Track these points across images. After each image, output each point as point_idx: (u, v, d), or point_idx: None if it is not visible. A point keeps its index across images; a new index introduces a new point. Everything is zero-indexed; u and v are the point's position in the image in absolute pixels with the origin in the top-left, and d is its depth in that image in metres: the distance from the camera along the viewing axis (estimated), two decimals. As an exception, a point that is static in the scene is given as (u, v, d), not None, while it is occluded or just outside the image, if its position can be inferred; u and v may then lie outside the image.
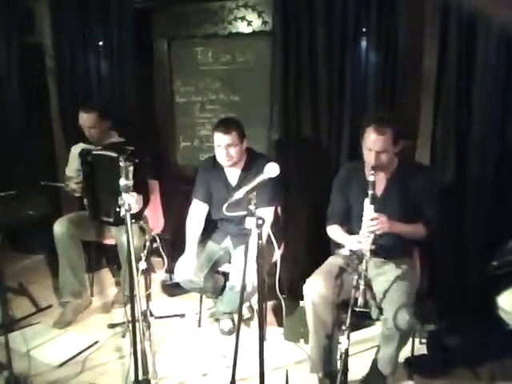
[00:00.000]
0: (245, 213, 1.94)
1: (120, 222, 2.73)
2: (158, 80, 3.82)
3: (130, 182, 2.21)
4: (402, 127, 2.49)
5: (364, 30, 3.04)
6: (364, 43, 3.05)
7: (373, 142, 2.41)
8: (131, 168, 2.23)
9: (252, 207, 1.93)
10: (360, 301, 2.13)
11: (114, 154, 2.81)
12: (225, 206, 2.02)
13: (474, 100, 2.87)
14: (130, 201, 2.15)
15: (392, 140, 2.42)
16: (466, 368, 2.69)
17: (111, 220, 3.08)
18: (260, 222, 1.92)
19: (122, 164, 2.20)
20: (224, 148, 2.83)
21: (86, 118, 3.25)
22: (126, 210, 2.18)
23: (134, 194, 2.26)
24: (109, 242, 3.44)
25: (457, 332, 2.81)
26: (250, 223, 1.93)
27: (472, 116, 2.89)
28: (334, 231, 2.71)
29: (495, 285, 2.49)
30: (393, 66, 2.99)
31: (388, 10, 2.94)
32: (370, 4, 2.96)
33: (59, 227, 3.26)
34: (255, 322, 3.22)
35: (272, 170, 1.98)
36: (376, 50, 3.01)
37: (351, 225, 2.62)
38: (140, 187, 2.43)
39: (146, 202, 3.07)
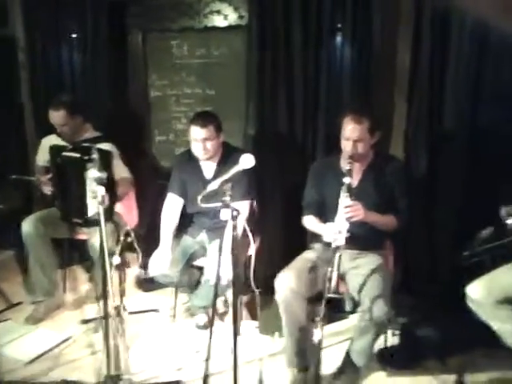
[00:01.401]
0: (220, 205, 1.93)
1: (90, 223, 2.72)
2: (133, 74, 3.78)
3: (104, 175, 2.18)
4: (378, 118, 2.56)
5: (339, 25, 3.07)
6: (339, 39, 3.09)
7: (350, 131, 2.48)
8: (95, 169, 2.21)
9: (227, 198, 1.93)
10: (332, 287, 2.14)
11: (78, 155, 2.75)
12: (199, 197, 2.01)
13: (446, 95, 2.94)
14: (102, 193, 2.12)
15: (368, 130, 2.48)
16: (436, 359, 2.74)
17: (81, 221, 3.02)
18: (235, 213, 1.92)
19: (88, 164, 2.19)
20: (201, 142, 2.82)
21: (55, 116, 3.18)
22: (99, 203, 2.16)
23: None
24: (81, 237, 3.39)
25: (428, 324, 2.86)
26: (225, 215, 1.92)
27: (444, 111, 2.96)
28: (310, 221, 2.74)
29: (465, 276, 2.55)
30: (367, 61, 3.04)
31: (363, 7, 2.98)
32: (346, 0, 2.99)
33: (27, 226, 3.18)
34: (230, 317, 3.22)
35: (247, 161, 1.98)
36: (351, 45, 3.05)
37: (326, 216, 2.64)
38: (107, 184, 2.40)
39: (114, 199, 3.03)
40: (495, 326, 2.50)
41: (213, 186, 1.99)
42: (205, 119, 2.81)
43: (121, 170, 3.22)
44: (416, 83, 2.99)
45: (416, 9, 2.91)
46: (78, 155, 2.73)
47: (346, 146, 2.52)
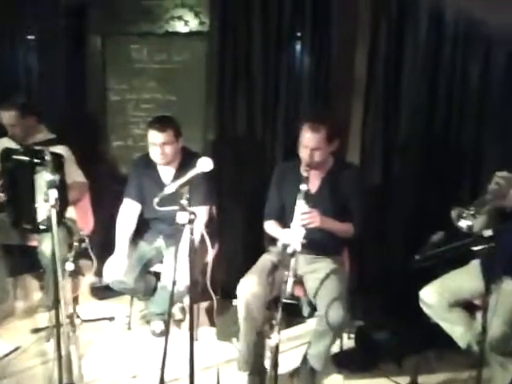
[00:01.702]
0: (177, 208, 1.91)
1: (41, 229, 2.64)
2: (91, 77, 3.72)
3: (56, 177, 2.13)
4: (336, 126, 2.60)
5: (299, 34, 3.13)
6: (298, 47, 3.14)
7: (307, 139, 2.51)
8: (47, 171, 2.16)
9: (184, 202, 1.91)
10: (288, 292, 2.15)
11: (27, 158, 2.67)
12: (156, 200, 1.98)
13: (401, 103, 3.04)
14: (55, 196, 2.07)
15: (326, 138, 2.51)
16: (392, 361, 2.80)
17: (32, 227, 2.93)
18: (192, 217, 1.90)
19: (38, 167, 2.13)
20: (159, 146, 2.79)
21: (6, 117, 3.10)
22: (52, 206, 2.10)
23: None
24: (33, 243, 3.28)
25: (383, 327, 2.91)
26: (181, 218, 1.90)
27: (399, 119, 3.05)
28: (270, 227, 2.77)
29: (419, 280, 2.62)
30: (326, 69, 3.10)
31: (322, 16, 3.05)
32: (305, 9, 3.05)
33: None
34: (187, 323, 3.19)
35: (205, 164, 1.97)
36: (310, 53, 3.11)
37: (286, 221, 2.66)
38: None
39: (65, 203, 2.96)
40: (447, 328, 2.58)
41: (170, 188, 1.98)
42: (163, 123, 2.79)
43: (74, 174, 3.15)
44: (372, 91, 3.07)
45: (373, 19, 3.00)
46: (27, 158, 2.65)
47: (304, 153, 2.55)
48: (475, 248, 1.84)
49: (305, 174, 2.43)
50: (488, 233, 1.79)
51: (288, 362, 2.71)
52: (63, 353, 2.29)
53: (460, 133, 2.99)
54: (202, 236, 2.34)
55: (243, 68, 3.19)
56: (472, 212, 2.14)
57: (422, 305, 2.58)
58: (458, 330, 2.55)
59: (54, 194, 2.12)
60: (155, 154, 2.83)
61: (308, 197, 2.42)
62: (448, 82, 2.94)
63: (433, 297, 2.54)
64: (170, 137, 2.79)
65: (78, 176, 3.20)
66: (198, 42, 3.43)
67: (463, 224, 2.16)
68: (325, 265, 2.64)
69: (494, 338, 2.25)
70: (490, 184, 2.32)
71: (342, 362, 2.78)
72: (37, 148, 2.70)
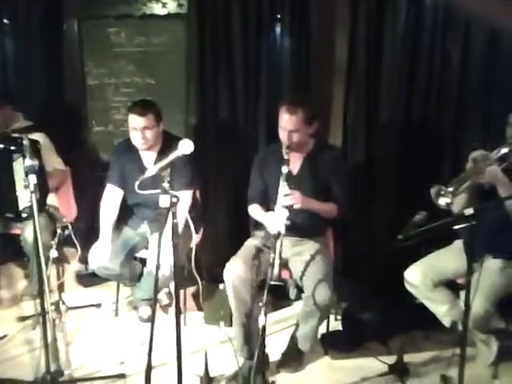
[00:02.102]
0: (159, 191, 1.89)
1: (23, 217, 2.62)
2: (69, 61, 3.64)
3: (35, 163, 2.10)
4: (314, 108, 2.59)
5: (278, 16, 3.10)
6: (279, 29, 3.11)
7: (285, 121, 2.51)
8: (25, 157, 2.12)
9: (166, 185, 1.89)
10: (274, 274, 2.17)
11: (2, 146, 2.62)
12: (137, 183, 1.96)
13: (382, 85, 3.03)
14: (34, 181, 2.04)
15: (304, 120, 2.52)
16: (378, 341, 2.83)
17: (13, 215, 2.89)
18: (174, 200, 1.88)
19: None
20: (140, 131, 2.76)
21: None
22: (32, 192, 2.07)
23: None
24: (16, 231, 3.24)
25: (369, 308, 2.94)
26: (164, 201, 1.88)
27: (380, 100, 3.05)
28: (254, 210, 2.77)
29: (403, 261, 2.64)
30: (307, 51, 3.08)
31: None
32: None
33: None
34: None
35: (186, 146, 1.95)
36: (290, 36, 3.08)
37: (270, 204, 2.67)
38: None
39: (46, 190, 2.92)
40: (431, 307, 2.62)
41: (151, 171, 1.95)
42: (144, 107, 2.75)
43: (54, 162, 3.12)
44: (353, 73, 3.06)
45: (352, 1, 2.97)
46: (3, 146, 2.60)
47: (283, 135, 2.56)
48: (457, 227, 1.84)
49: (285, 156, 2.46)
50: (469, 211, 1.79)
51: (277, 344, 2.73)
52: (49, 340, 2.29)
53: (440, 113, 3.00)
54: (187, 221, 2.32)
55: (223, 50, 3.15)
56: (450, 190, 2.15)
57: (406, 285, 2.61)
58: (442, 308, 2.58)
59: (33, 179, 2.10)
60: (136, 139, 2.79)
61: (290, 178, 2.44)
62: (428, 63, 2.94)
63: (417, 277, 2.56)
64: (151, 121, 2.75)
65: (58, 163, 3.16)
66: (177, 24, 3.37)
67: (441, 202, 2.17)
68: (309, 246, 2.65)
69: (477, 316, 2.28)
70: (467, 162, 2.35)
71: (329, 342, 2.81)
72: (14, 135, 2.65)
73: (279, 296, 3.23)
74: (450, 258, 2.57)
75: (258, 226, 2.77)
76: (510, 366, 2.58)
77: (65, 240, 2.93)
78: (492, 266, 2.46)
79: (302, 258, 2.59)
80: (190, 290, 3.17)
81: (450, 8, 2.83)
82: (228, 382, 2.51)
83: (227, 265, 2.55)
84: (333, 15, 3.04)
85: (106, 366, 2.66)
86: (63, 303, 2.94)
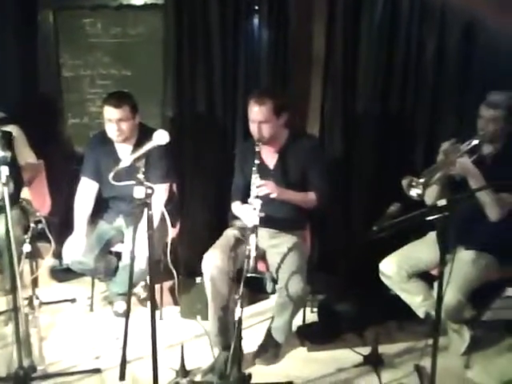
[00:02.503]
0: (133, 182, 1.87)
1: None
2: (43, 53, 3.57)
3: (7, 154, 2.07)
4: (283, 99, 2.60)
5: (256, 7, 3.09)
6: (256, 20, 3.11)
7: (254, 113, 2.52)
8: None
9: (140, 176, 1.87)
10: (250, 266, 2.17)
11: None
12: (111, 174, 1.93)
13: (359, 76, 3.05)
14: (6, 173, 2.00)
15: (273, 111, 2.51)
16: (353, 333, 2.85)
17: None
18: (149, 191, 1.86)
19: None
20: (115, 123, 2.73)
21: None
22: (3, 184, 2.03)
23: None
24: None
25: (345, 300, 2.96)
26: (138, 193, 1.86)
27: (357, 91, 3.07)
28: (236, 207, 2.76)
29: (379, 253, 2.67)
30: (284, 43, 3.07)
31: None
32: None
33: None
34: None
35: (161, 137, 1.93)
36: (268, 27, 3.07)
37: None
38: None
39: (19, 183, 2.87)
40: (406, 298, 2.66)
41: (125, 162, 1.92)
42: (119, 99, 2.72)
43: (26, 155, 3.07)
44: (331, 64, 3.07)
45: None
46: None
47: (253, 128, 2.56)
48: (430, 218, 1.87)
49: (256, 148, 2.47)
50: (442, 202, 1.82)
51: (254, 337, 2.73)
52: (22, 336, 2.26)
53: (416, 105, 3.04)
54: (163, 214, 2.31)
55: (201, 42, 3.13)
56: (421, 181, 2.18)
57: (381, 276, 2.64)
58: (416, 299, 2.62)
59: (5, 171, 2.07)
60: (111, 131, 2.76)
61: (266, 173, 2.46)
62: (405, 55, 2.97)
63: (392, 268, 2.59)
64: (126, 113, 2.73)
65: (30, 157, 3.11)
66: (154, 15, 3.33)
67: (413, 193, 2.20)
68: (287, 239, 2.65)
69: (449, 307, 2.32)
70: (439, 154, 2.38)
71: (306, 334, 2.83)
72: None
73: (256, 289, 3.23)
74: (423, 250, 2.61)
75: (237, 217, 2.77)
76: (482, 356, 2.64)
77: (39, 234, 2.88)
78: (464, 257, 2.50)
79: (278, 251, 2.59)
80: (167, 284, 3.15)
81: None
82: (204, 375, 2.50)
83: (205, 255, 2.55)
84: (310, 6, 3.04)
85: (81, 361, 2.63)
86: (37, 298, 2.90)
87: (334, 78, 3.07)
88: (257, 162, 2.44)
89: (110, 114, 2.71)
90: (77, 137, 3.67)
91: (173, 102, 3.24)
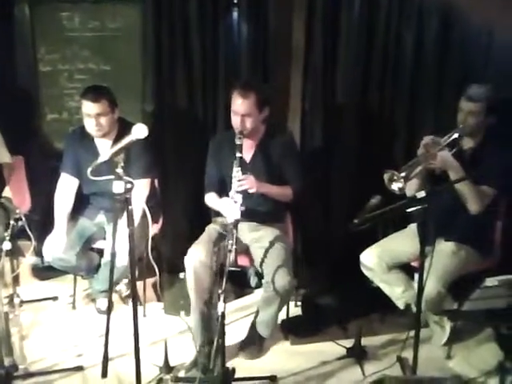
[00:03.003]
0: (112, 177, 1.85)
1: None
2: (20, 47, 3.49)
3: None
4: (266, 93, 2.61)
5: (235, 1, 3.07)
6: (236, 14, 3.09)
7: (238, 105, 2.51)
8: None
9: (119, 171, 1.85)
10: (231, 260, 2.17)
11: None
12: (89, 169, 1.91)
13: (338, 70, 3.06)
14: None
15: (256, 104, 2.52)
16: (336, 326, 2.87)
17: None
18: (129, 186, 1.84)
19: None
20: (94, 117, 2.70)
21: None
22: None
23: None
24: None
25: (328, 293, 2.98)
26: (117, 187, 1.84)
27: (337, 84, 3.08)
28: (210, 199, 2.75)
29: (361, 245, 2.69)
30: (264, 37, 3.07)
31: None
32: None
33: None
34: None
35: (139, 130, 1.90)
36: (247, 21, 3.06)
37: (227, 191, 2.65)
38: None
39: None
40: (387, 290, 2.68)
41: (104, 157, 1.90)
42: (97, 93, 2.69)
43: (4, 155, 3.03)
44: (311, 59, 3.06)
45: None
46: None
47: (235, 120, 2.55)
48: (409, 209, 1.88)
49: (238, 141, 2.46)
50: (421, 194, 1.83)
51: (237, 332, 2.74)
52: (3, 335, 2.23)
53: (397, 98, 3.05)
54: (144, 210, 2.29)
55: (180, 35, 3.10)
56: (402, 175, 2.20)
57: (362, 268, 2.66)
58: (396, 291, 2.64)
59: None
60: (90, 126, 2.73)
61: (244, 165, 2.45)
62: (384, 48, 2.98)
63: (372, 260, 2.61)
64: (105, 107, 2.69)
65: (5, 156, 3.06)
66: (133, 8, 3.27)
67: (395, 187, 2.22)
68: (268, 233, 2.66)
69: (430, 298, 2.34)
70: (419, 148, 2.40)
71: (289, 328, 2.84)
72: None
73: (240, 284, 3.23)
74: (404, 242, 2.63)
75: (219, 212, 2.76)
76: (463, 346, 2.68)
77: (19, 232, 2.84)
78: (444, 248, 2.53)
79: (261, 245, 2.60)
80: (150, 280, 3.13)
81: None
82: (187, 371, 2.50)
83: (189, 250, 2.54)
84: (290, 1, 3.02)
85: (63, 359, 2.61)
86: (17, 297, 2.87)
87: (314, 73, 3.07)
88: (238, 155, 2.43)
89: (88, 108, 2.68)
90: (56, 132, 3.60)
91: (153, 96, 3.21)
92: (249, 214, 2.44)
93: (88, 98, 2.67)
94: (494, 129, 2.53)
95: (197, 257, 2.49)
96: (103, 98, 2.68)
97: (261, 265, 2.55)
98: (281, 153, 2.66)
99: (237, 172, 2.41)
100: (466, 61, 2.90)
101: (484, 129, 2.52)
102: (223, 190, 2.71)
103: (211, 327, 2.55)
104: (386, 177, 2.22)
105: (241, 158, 2.44)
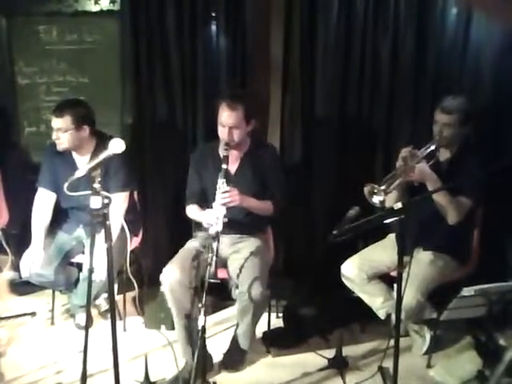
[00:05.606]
0: (89, 192, 1.84)
1: None
2: (-3, 60, 3.48)
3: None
4: (253, 105, 2.61)
5: (213, 14, 3.09)
6: (214, 27, 3.10)
7: (225, 117, 2.50)
8: None
9: (97, 185, 1.83)
10: (211, 272, 2.16)
11: None
12: (66, 184, 1.89)
13: (317, 81, 3.08)
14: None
15: (244, 117, 2.52)
16: (318, 336, 2.87)
17: None
18: (106, 201, 1.83)
19: None
20: (56, 131, 2.69)
21: None
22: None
23: None
24: None
25: (309, 303, 2.98)
26: (95, 203, 1.83)
27: (316, 96, 3.10)
28: (192, 211, 2.74)
29: (342, 256, 2.70)
30: (242, 49, 3.08)
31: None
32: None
33: None
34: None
35: (117, 145, 1.90)
36: (225, 34, 3.08)
37: (208, 203, 2.64)
38: None
39: None
40: (367, 300, 2.69)
41: (80, 172, 1.89)
42: (62, 108, 2.67)
43: None
44: (289, 70, 3.09)
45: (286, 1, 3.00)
46: None
47: (222, 132, 2.55)
48: (387, 220, 1.90)
49: (224, 153, 2.46)
50: (398, 205, 1.85)
51: (219, 345, 2.72)
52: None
53: (375, 110, 3.07)
54: (122, 225, 2.27)
55: (158, 48, 3.11)
56: (382, 188, 2.22)
57: (343, 278, 2.67)
58: (376, 301, 2.65)
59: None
60: (54, 139, 2.73)
61: (228, 177, 2.44)
62: (361, 60, 3.00)
63: (353, 270, 2.62)
64: (67, 123, 2.65)
65: None
66: (110, 21, 3.28)
67: (375, 200, 2.24)
68: (249, 244, 2.66)
69: (409, 307, 2.36)
70: (398, 160, 2.43)
71: (271, 340, 2.82)
72: None
73: (222, 296, 3.21)
74: (383, 252, 2.65)
75: (200, 226, 2.75)
76: (443, 355, 2.69)
77: (-5, 246, 2.81)
78: (422, 257, 2.55)
79: (240, 256, 2.59)
80: (130, 294, 3.09)
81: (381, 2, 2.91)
82: (169, 386, 2.47)
83: (164, 269, 2.52)
84: (267, 13, 3.06)
85: (42, 375, 2.57)
86: (-6, 313, 2.82)
87: (292, 84, 3.09)
88: (224, 166, 2.42)
89: (52, 122, 2.69)
90: (34, 145, 3.58)
91: (132, 108, 3.20)
92: (231, 226, 2.43)
93: (53, 112, 2.68)
94: (469, 139, 2.57)
95: (172, 276, 2.47)
96: (67, 114, 2.65)
97: (238, 276, 2.53)
98: (265, 166, 2.67)
99: (222, 184, 2.40)
100: (443, 72, 2.94)
101: (460, 140, 2.56)
102: (205, 201, 2.70)
103: (195, 341, 2.53)
104: (366, 190, 2.25)
105: (226, 169, 2.43)
